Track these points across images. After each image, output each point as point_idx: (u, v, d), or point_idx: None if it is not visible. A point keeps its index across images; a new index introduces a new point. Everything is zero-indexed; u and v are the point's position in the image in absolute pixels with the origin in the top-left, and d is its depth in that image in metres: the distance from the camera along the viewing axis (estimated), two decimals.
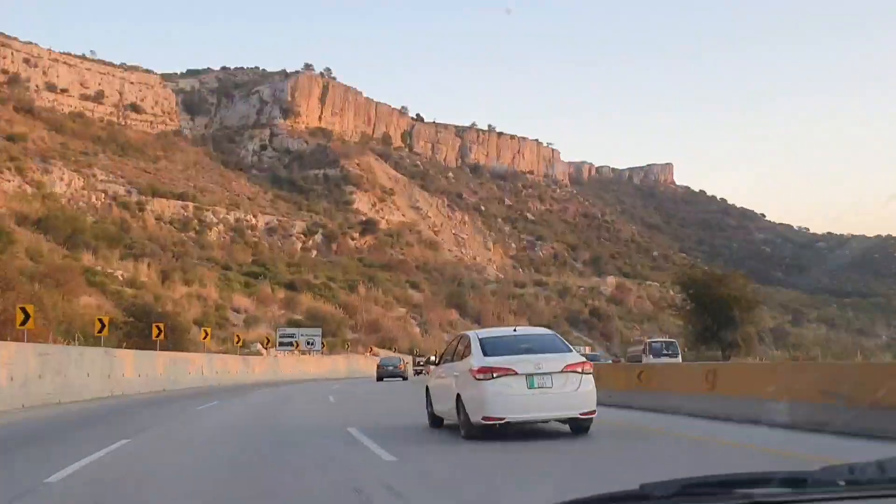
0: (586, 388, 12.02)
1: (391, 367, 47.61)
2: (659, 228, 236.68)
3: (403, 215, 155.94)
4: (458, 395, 12.32)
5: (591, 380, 12.13)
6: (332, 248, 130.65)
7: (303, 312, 79.93)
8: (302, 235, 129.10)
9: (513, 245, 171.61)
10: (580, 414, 12.02)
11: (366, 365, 66.94)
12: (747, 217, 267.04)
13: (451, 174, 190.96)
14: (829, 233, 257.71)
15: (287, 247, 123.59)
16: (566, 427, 12.61)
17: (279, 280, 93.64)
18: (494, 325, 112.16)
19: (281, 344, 54.09)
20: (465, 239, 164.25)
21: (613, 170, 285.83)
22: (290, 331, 55.28)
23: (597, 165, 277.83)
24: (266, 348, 53.92)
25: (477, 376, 11.83)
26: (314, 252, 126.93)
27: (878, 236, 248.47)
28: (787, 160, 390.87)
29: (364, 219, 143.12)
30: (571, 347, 12.72)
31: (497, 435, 11.77)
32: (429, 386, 14.58)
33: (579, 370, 12.03)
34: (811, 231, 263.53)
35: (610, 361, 47.83)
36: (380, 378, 46.99)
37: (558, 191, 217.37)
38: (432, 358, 17.95)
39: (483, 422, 11.76)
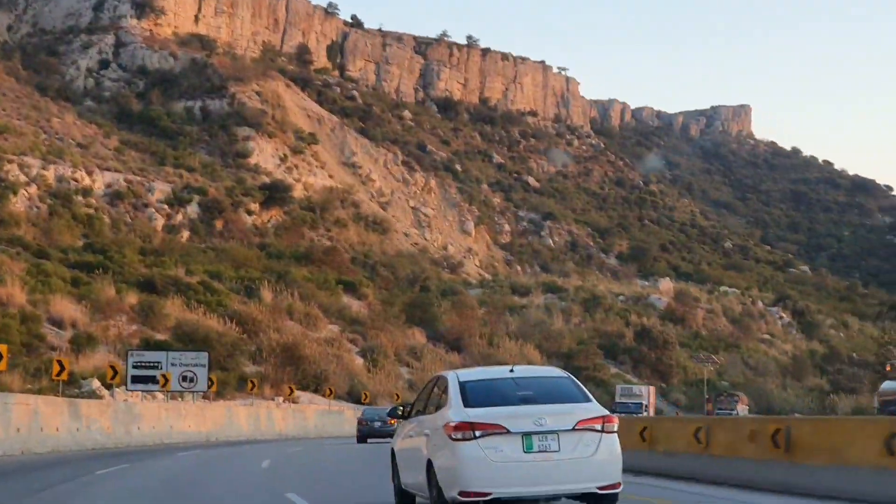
0: (608, 453, 13.00)
1: (379, 423, 49.14)
2: (729, 206, 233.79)
3: (331, 176, 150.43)
4: (430, 462, 13.35)
5: (614, 441, 13.13)
6: (217, 226, 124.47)
7: (168, 329, 75.01)
8: (166, 206, 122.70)
9: (506, 227, 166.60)
10: (598, 488, 12.96)
11: (285, 420, 60.81)
12: (865, 190, 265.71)
13: (407, 113, 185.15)
14: None
15: (142, 224, 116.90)
16: None
17: (129, 277, 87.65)
18: (484, 357, 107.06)
19: (135, 380, 47.95)
20: (431, 217, 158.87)
21: (659, 114, 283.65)
22: (151, 357, 49.00)
23: (633, 107, 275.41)
24: (110, 386, 47.87)
25: (453, 435, 12.78)
26: (186, 233, 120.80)
27: None
28: None
29: (268, 181, 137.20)
30: (591, 396, 13.65)
31: None
32: (394, 449, 15.73)
33: (598, 427, 12.97)
34: None
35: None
36: (362, 438, 49.58)
37: (576, 143, 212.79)
38: (400, 409, 16.87)
39: (460, 498, 12.70)
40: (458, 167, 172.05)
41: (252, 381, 61.28)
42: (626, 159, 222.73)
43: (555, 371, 14.96)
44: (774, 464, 18.04)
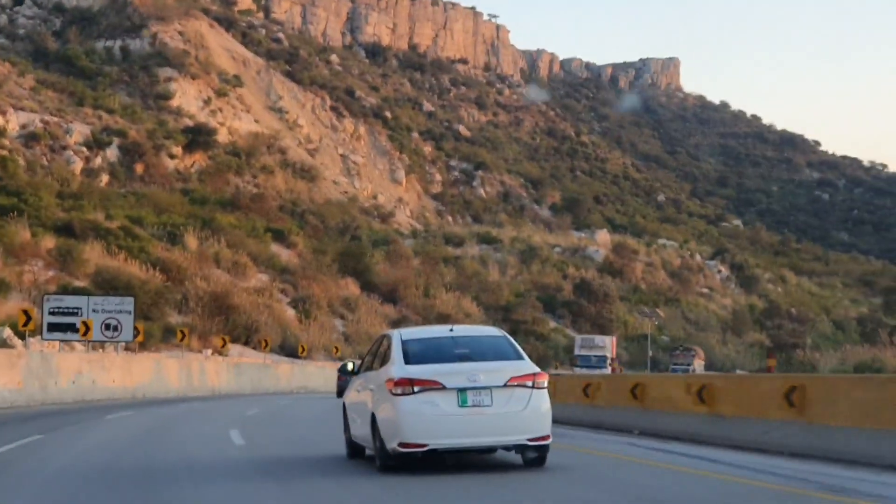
0: (538, 407, 13.96)
1: None
2: (659, 159, 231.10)
3: (257, 121, 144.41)
4: (373, 415, 14.39)
5: (544, 396, 14.15)
6: (138, 170, 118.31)
7: (87, 276, 69.97)
8: (85, 149, 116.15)
9: (437, 177, 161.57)
10: (528, 440, 13.99)
11: (219, 374, 55.64)
12: (793, 146, 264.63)
13: (334, 58, 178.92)
14: None
15: (59, 166, 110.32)
16: (517, 457, 14.74)
17: (45, 220, 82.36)
18: (420, 310, 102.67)
19: (52, 328, 42.30)
20: (361, 165, 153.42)
21: (588, 66, 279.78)
22: (71, 302, 43.29)
23: (561, 58, 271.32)
24: (23, 335, 42.27)
25: (393, 390, 13.73)
26: (106, 177, 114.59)
27: None
28: (851, 69, 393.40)
29: (191, 125, 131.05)
30: (524, 354, 14.58)
31: (422, 467, 13.94)
32: (345, 403, 16.87)
33: (529, 384, 13.91)
34: (890, 169, 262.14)
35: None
36: (341, 393, 44.18)
37: (507, 92, 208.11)
38: (349, 365, 17.62)
39: (400, 449, 13.70)
40: (387, 114, 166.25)
41: (182, 331, 55.50)
42: (558, 111, 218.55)
43: (492, 330, 15.89)
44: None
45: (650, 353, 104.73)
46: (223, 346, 60.68)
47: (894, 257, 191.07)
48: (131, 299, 45.83)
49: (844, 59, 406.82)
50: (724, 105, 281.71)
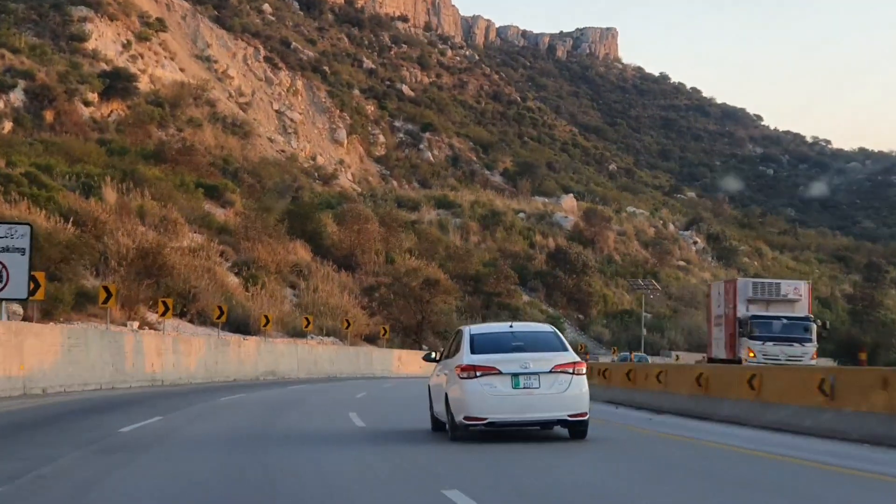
0: (577, 390, 16.72)
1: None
2: (599, 130, 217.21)
3: (182, 70, 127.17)
4: (446, 395, 17.25)
5: (583, 381, 16.86)
6: (47, 117, 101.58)
7: None
8: None
9: (381, 139, 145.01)
10: (569, 416, 16.73)
11: (161, 355, 38.21)
12: (735, 119, 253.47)
13: (266, 6, 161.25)
14: (861, 148, 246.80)
15: None
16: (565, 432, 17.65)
17: None
18: (384, 273, 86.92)
19: None
20: (298, 122, 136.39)
21: (525, 34, 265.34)
22: None
23: (498, 25, 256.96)
24: None
25: (460, 375, 16.60)
26: (9, 123, 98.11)
27: None
28: (791, 43, 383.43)
29: (108, 69, 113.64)
30: (568, 346, 17.30)
31: (483, 437, 17.11)
32: (429, 385, 19.54)
33: (570, 370, 16.68)
34: (833, 145, 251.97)
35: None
36: None
37: (450, 53, 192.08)
38: (433, 354, 20.56)
39: (465, 422, 16.57)
40: (326, 69, 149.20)
41: (106, 289, 37.28)
42: (502, 74, 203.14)
43: (544, 326, 19.10)
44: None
45: (644, 332, 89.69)
46: (164, 315, 43.45)
47: (844, 234, 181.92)
48: (27, 228, 28.87)
49: (784, 33, 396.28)
50: (664, 77, 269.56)
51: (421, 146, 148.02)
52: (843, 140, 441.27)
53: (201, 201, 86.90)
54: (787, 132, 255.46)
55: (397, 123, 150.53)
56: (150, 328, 48.37)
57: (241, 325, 58.28)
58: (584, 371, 16.95)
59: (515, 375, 16.34)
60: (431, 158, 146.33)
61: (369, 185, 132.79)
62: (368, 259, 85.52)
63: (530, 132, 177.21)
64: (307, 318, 55.29)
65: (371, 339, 69.50)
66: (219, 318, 47.21)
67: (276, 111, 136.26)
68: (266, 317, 50.94)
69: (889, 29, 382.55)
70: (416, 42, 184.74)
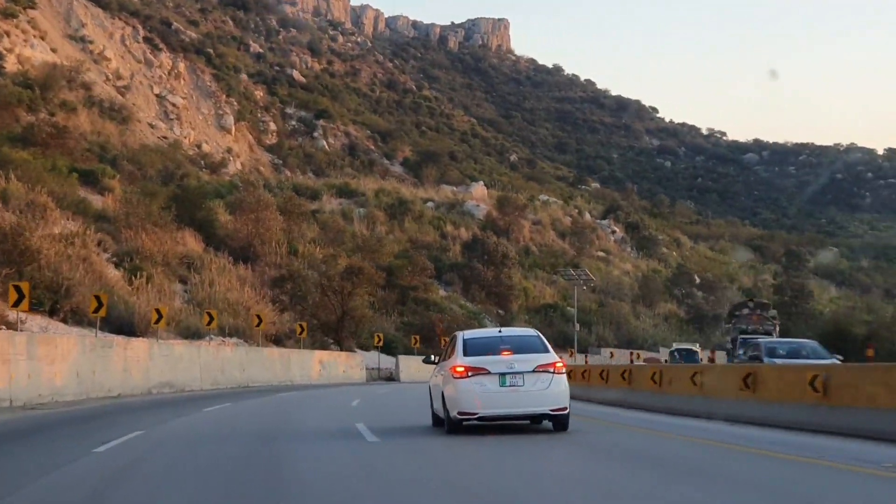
0: (557, 387, 18.58)
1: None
2: (494, 123, 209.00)
3: (54, 50, 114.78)
4: (442, 393, 19.18)
5: (562, 379, 18.72)
6: None
7: None
8: None
9: (272, 126, 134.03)
10: (550, 410, 18.67)
11: (8, 362, 27.11)
12: (630, 112, 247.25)
13: None
14: (756, 139, 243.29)
15: None
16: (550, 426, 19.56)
17: None
18: (286, 265, 76.51)
19: None
20: (182, 108, 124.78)
21: (415, 24, 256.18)
22: None
23: (387, 15, 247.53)
24: None
25: (454, 375, 18.43)
26: None
27: (838, 145, 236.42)
28: (683, 35, 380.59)
29: None
30: (549, 348, 19.14)
31: (476, 430, 18.91)
32: (430, 385, 21.58)
33: (551, 370, 18.52)
34: (729, 137, 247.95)
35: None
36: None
37: (341, 39, 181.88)
38: (433, 357, 23.07)
39: (459, 416, 18.45)
40: (210, 51, 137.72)
41: None
42: (396, 62, 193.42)
43: (529, 331, 20.76)
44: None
45: (576, 327, 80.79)
46: (16, 305, 32.07)
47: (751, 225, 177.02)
48: None
49: (675, 25, 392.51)
50: (558, 69, 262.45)
51: (315, 134, 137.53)
52: (738, 132, 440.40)
53: (76, 187, 75.63)
54: (683, 124, 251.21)
55: (289, 110, 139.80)
56: (10, 328, 37.67)
57: (124, 326, 47.68)
58: (564, 370, 18.85)
59: (503, 375, 18.23)
60: (327, 147, 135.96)
61: (261, 175, 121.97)
62: (269, 250, 75.11)
63: (428, 122, 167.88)
64: (209, 314, 44.49)
65: (279, 340, 58.99)
66: (96, 311, 35.99)
67: (158, 95, 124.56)
68: (158, 310, 39.94)
69: (780, 20, 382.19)
70: (305, 27, 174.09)
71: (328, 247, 79.39)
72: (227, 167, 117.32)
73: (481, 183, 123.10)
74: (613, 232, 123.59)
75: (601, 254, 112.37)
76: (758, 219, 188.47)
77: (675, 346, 65.25)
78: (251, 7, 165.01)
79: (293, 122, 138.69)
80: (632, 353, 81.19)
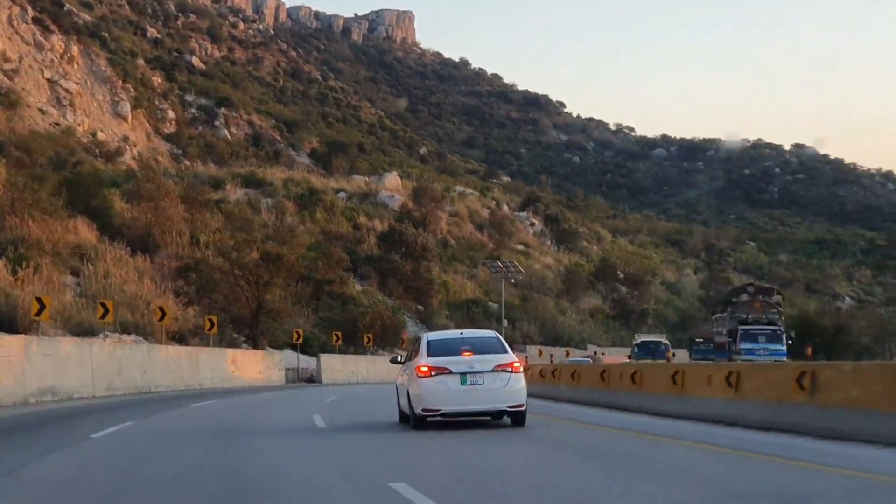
0: (515, 385, 19.50)
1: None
2: (400, 117, 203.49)
3: None
4: (408, 391, 20.06)
5: (520, 377, 19.65)
6: None
7: None
8: None
9: (170, 114, 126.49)
10: (508, 407, 19.63)
11: None
12: (538, 107, 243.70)
13: None
14: (664, 135, 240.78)
15: None
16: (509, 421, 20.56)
17: None
18: (188, 256, 69.74)
19: None
20: (74, 93, 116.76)
21: (317, 15, 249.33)
22: None
23: (288, 5, 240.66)
24: None
25: (419, 374, 19.33)
26: None
27: (745, 140, 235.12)
28: (588, 29, 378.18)
29: None
30: (508, 349, 20.14)
31: (439, 426, 19.85)
32: (396, 384, 22.32)
33: (509, 369, 19.45)
34: (637, 132, 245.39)
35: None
36: None
37: (242, 26, 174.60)
38: (398, 357, 24.34)
39: (423, 413, 19.33)
40: (105, 34, 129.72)
41: None
42: (300, 52, 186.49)
43: (488, 332, 21.71)
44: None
45: (504, 323, 75.34)
46: None
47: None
48: None
49: (580, 19, 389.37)
50: (465, 63, 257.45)
51: (217, 123, 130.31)
52: (647, 127, 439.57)
53: None
54: (591, 119, 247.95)
55: (189, 97, 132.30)
56: None
57: (3, 321, 41.04)
58: (521, 369, 19.89)
59: (464, 374, 19.18)
60: (229, 136, 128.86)
61: (159, 164, 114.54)
62: (170, 240, 68.43)
63: (335, 113, 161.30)
64: (104, 304, 37.64)
65: (183, 338, 52.33)
66: None
67: (49, 80, 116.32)
68: (39, 299, 32.87)
69: (683, 16, 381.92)
70: (205, 12, 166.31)
71: (236, 237, 72.82)
72: (124, 156, 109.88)
73: (395, 173, 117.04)
74: (532, 224, 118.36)
75: (521, 247, 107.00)
76: (668, 214, 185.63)
77: (638, 338, 58.64)
78: None
79: (193, 110, 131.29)
80: (567, 352, 76.12)
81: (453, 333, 22.13)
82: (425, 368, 19.13)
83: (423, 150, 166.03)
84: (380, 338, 68.17)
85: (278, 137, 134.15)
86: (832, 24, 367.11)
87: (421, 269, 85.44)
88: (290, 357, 58.11)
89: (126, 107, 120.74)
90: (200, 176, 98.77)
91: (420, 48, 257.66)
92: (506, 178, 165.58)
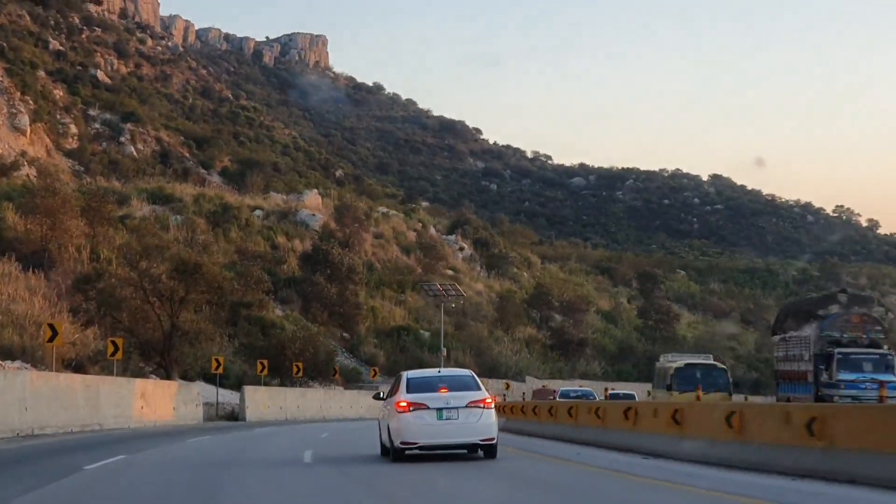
0: (487, 420, 20.74)
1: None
2: (313, 141, 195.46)
3: None
4: (388, 425, 21.22)
5: (491, 413, 20.93)
6: None
7: None
8: None
9: (73, 129, 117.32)
10: (480, 440, 20.82)
11: None
12: (454, 133, 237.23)
13: None
14: (582, 164, 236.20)
15: None
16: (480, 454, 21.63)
17: None
18: (86, 273, 61.15)
19: None
20: None
21: (228, 37, 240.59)
22: None
23: (198, 27, 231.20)
24: None
25: (398, 409, 20.54)
26: None
27: (664, 171, 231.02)
28: (504, 57, 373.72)
29: None
30: (482, 386, 21.40)
31: (416, 458, 21.01)
32: (379, 419, 23.61)
33: (481, 405, 20.68)
34: (554, 161, 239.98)
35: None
36: None
37: (150, 42, 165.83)
38: (380, 393, 24.60)
39: (402, 446, 20.52)
40: (3, 44, 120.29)
41: None
42: (210, 70, 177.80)
43: (464, 371, 23.35)
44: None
45: (443, 352, 67.91)
46: None
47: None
48: None
49: (495, 45, 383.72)
50: (378, 87, 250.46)
51: (122, 139, 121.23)
52: (564, 156, 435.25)
53: None
54: (508, 146, 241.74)
55: (92, 112, 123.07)
56: None
57: None
58: (493, 406, 21.15)
59: (440, 410, 20.34)
60: (135, 153, 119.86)
61: (59, 177, 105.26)
62: (68, 255, 60.02)
63: (247, 132, 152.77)
64: None
65: (81, 366, 43.82)
66: None
67: None
68: None
69: (604, 42, 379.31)
70: (111, 27, 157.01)
71: (142, 256, 64.35)
72: (20, 171, 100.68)
73: (315, 191, 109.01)
74: (461, 249, 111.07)
75: (450, 272, 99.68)
76: (590, 244, 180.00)
77: (675, 359, 44.42)
78: (51, 4, 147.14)
79: (97, 126, 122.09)
80: (507, 385, 68.93)
81: (431, 372, 23.90)
82: (404, 404, 20.41)
83: (339, 173, 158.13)
84: (311, 367, 59.64)
85: (188, 155, 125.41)
86: (748, 54, 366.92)
87: (347, 293, 77.71)
88: (206, 390, 49.48)
89: (24, 120, 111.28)
90: (104, 190, 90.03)
91: (333, 72, 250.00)
92: (425, 204, 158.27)
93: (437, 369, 24.88)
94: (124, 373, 44.90)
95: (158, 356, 49.30)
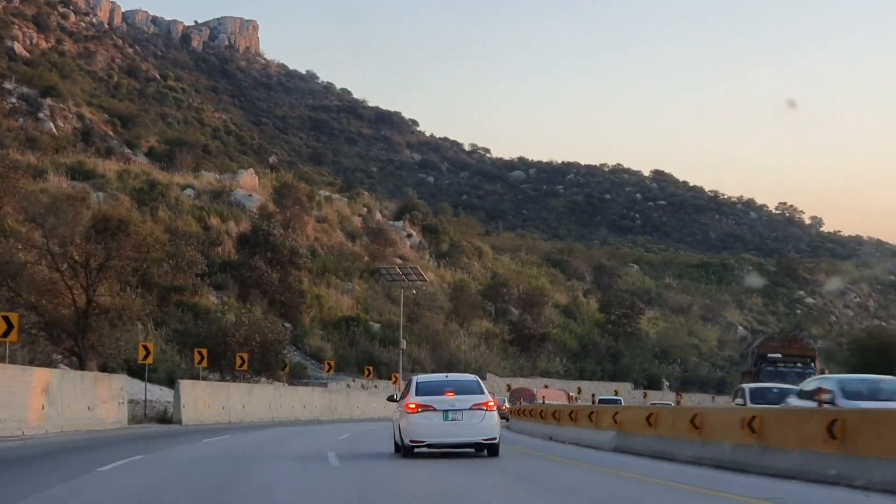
0: (490, 421, 22.25)
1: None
2: (243, 128, 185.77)
3: None
4: (399, 425, 23.03)
5: (494, 415, 22.46)
6: None
7: None
8: None
9: None
10: (482, 440, 22.30)
11: None
12: (390, 124, 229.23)
13: None
14: (521, 158, 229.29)
15: None
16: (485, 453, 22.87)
17: None
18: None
19: None
20: None
21: (155, 20, 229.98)
22: None
23: (124, 9, 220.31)
24: None
25: (407, 410, 22.20)
26: None
27: (605, 166, 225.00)
28: (442, 47, 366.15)
29: None
30: (485, 390, 22.97)
31: (424, 455, 22.37)
32: (393, 419, 25.27)
33: (484, 408, 22.16)
34: (493, 154, 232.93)
35: None
36: None
37: (73, 17, 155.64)
38: (395, 395, 26.57)
39: (410, 444, 22.16)
40: None
41: None
42: (137, 49, 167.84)
43: (470, 376, 24.78)
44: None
45: (403, 345, 59.82)
46: None
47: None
48: None
49: (431, 36, 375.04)
50: (311, 75, 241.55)
51: (41, 114, 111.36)
52: (503, 149, 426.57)
53: None
54: (445, 139, 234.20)
55: (8, 85, 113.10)
56: None
57: None
58: (495, 408, 22.63)
59: (446, 411, 21.88)
60: (55, 130, 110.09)
61: None
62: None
63: (175, 114, 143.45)
64: None
65: None
66: None
67: None
68: None
69: (538, 41, 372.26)
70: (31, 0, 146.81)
71: (57, 230, 55.25)
72: None
73: (251, 170, 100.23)
74: (409, 235, 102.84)
75: (398, 260, 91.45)
76: (534, 237, 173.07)
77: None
78: None
79: (14, 100, 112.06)
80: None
81: (439, 376, 25.99)
82: (413, 406, 22.10)
83: (272, 159, 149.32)
84: (257, 360, 50.72)
85: (111, 133, 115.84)
86: (692, 50, 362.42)
87: (290, 279, 69.23)
88: (132, 386, 40.41)
89: None
90: (17, 164, 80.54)
91: (264, 59, 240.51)
92: (365, 193, 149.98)
93: (445, 374, 27.66)
94: (26, 361, 36.05)
95: (70, 340, 39.59)
